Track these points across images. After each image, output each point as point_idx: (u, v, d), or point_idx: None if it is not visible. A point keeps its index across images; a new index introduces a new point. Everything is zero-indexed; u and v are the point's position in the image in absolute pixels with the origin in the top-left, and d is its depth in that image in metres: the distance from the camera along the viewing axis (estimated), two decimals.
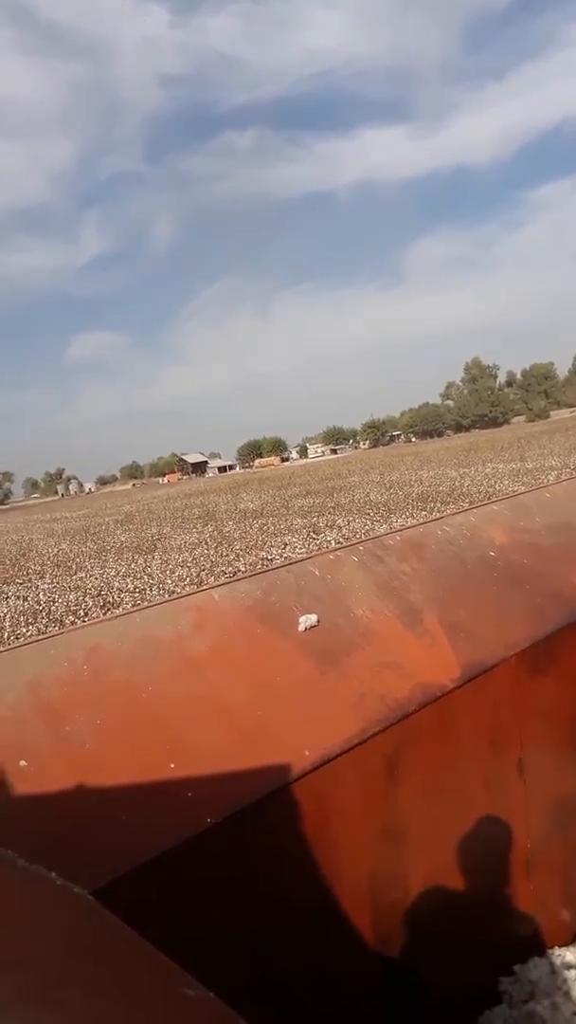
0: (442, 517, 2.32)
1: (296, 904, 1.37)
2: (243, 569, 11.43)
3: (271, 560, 11.85)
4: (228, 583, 1.77)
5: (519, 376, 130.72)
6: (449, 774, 1.65)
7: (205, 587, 1.77)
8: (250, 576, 1.83)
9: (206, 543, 16.30)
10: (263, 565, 10.45)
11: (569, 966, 1.83)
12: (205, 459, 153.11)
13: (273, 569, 1.86)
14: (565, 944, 1.96)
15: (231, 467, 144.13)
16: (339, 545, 2.06)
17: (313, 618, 1.67)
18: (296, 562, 1.92)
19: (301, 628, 1.65)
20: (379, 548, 2.02)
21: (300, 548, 13.15)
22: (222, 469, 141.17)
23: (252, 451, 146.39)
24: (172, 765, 1.27)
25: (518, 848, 1.84)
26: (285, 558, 11.56)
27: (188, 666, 1.48)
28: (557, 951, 1.91)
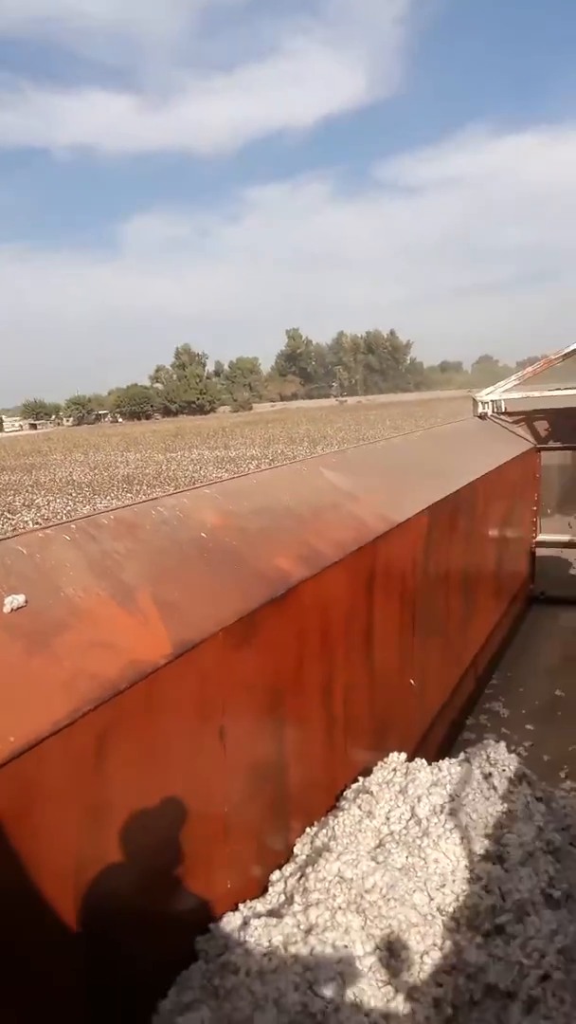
0: (156, 499, 2.34)
1: None
2: None
3: None
4: None
5: (226, 367, 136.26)
6: (157, 747, 1.69)
7: None
8: None
9: None
10: None
11: (258, 915, 1.99)
12: None
13: None
14: (255, 897, 2.13)
15: None
16: (49, 523, 1.98)
17: (20, 598, 1.58)
18: (0, 540, 1.80)
19: (7, 609, 1.55)
20: (92, 527, 1.98)
21: None
22: None
23: None
24: None
25: (217, 813, 1.95)
26: None
27: None
28: (248, 903, 2.07)
